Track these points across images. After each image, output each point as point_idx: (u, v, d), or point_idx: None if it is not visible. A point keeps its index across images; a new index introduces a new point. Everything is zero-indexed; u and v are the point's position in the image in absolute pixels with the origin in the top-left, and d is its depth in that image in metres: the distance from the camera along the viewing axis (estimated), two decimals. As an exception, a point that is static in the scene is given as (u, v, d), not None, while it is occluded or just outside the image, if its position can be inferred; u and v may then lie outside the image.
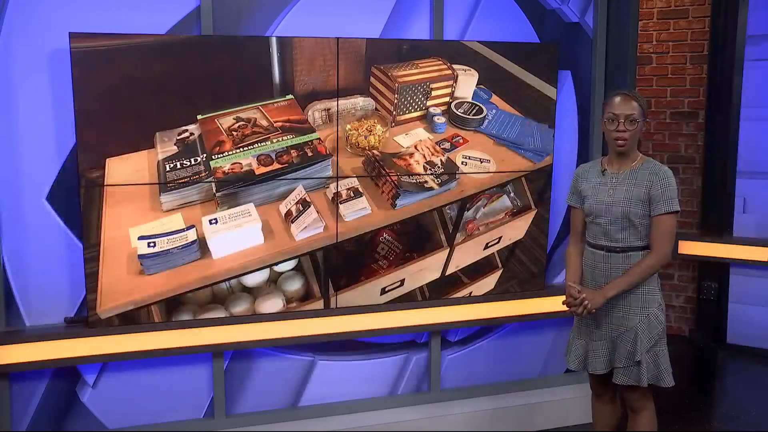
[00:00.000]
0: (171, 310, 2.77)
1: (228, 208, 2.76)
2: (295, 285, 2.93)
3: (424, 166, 3.00)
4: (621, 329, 2.45)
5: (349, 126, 2.88)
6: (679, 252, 4.36)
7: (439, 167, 3.02)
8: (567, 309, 2.49)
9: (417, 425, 3.15)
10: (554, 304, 3.32)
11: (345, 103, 2.86)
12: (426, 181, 3.01)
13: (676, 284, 4.70)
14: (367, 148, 2.92)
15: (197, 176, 2.71)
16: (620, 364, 2.45)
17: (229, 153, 2.73)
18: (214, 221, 2.74)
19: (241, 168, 2.74)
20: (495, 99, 3.08)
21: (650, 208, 2.41)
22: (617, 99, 2.43)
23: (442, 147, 3.03)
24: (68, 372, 2.80)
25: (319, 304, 2.97)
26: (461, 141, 3.05)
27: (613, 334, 2.47)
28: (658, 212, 2.40)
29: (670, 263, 2.45)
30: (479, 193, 3.12)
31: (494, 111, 3.09)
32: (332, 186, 2.89)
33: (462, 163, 3.05)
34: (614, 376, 2.49)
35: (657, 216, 2.40)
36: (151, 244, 2.67)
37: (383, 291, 3.07)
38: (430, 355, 3.28)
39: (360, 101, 2.89)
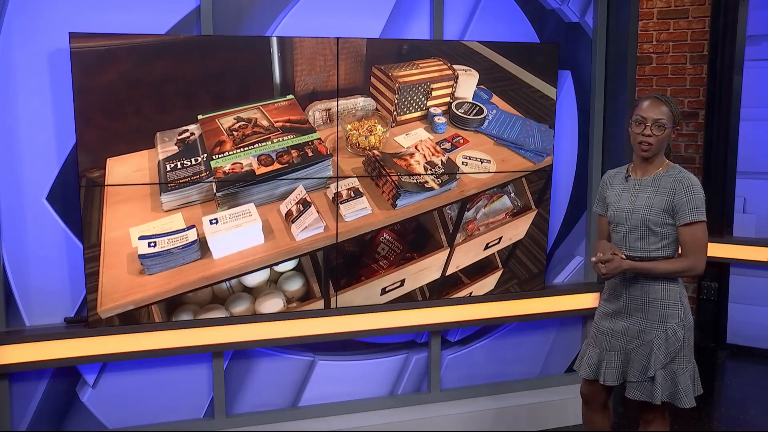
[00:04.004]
0: (171, 310, 2.77)
1: (228, 208, 2.76)
2: (295, 285, 2.93)
3: (424, 166, 3.00)
4: (637, 342, 2.38)
5: (349, 126, 2.88)
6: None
7: (439, 167, 3.02)
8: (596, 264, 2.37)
9: (417, 425, 3.15)
10: (554, 304, 3.33)
11: (345, 103, 2.86)
12: (426, 182, 3.01)
13: (676, 284, 4.70)
14: (367, 148, 2.92)
15: (198, 176, 2.71)
16: (633, 379, 2.38)
17: (230, 153, 2.73)
18: (214, 221, 2.74)
19: (242, 168, 2.74)
20: (495, 99, 3.08)
21: (675, 218, 2.33)
22: (647, 102, 2.34)
23: (442, 147, 3.03)
24: (68, 372, 2.79)
25: (319, 304, 2.97)
26: (462, 141, 3.05)
27: (628, 347, 2.40)
28: (684, 222, 2.31)
29: (699, 274, 2.37)
30: (479, 194, 3.12)
31: (494, 111, 3.09)
32: (333, 186, 2.89)
33: (462, 163, 3.05)
34: (626, 391, 2.42)
35: (683, 226, 2.32)
36: (152, 244, 2.67)
37: (383, 291, 3.07)
38: (430, 355, 3.28)
39: (360, 101, 2.89)
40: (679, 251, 2.42)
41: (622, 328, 2.43)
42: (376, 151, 2.93)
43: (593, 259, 2.38)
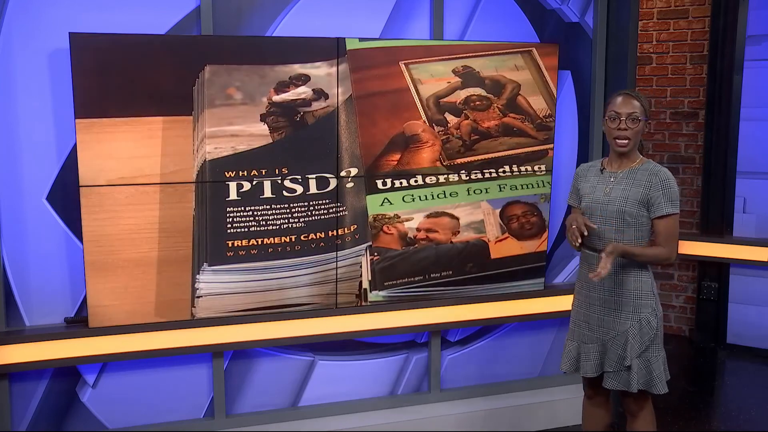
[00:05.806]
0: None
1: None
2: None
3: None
4: (612, 333, 2.43)
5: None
6: (679, 252, 4.36)
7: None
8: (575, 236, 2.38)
9: (417, 425, 3.15)
10: (554, 304, 3.33)
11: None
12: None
13: (676, 284, 4.70)
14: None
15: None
16: (610, 368, 2.43)
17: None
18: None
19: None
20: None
21: (649, 210, 2.39)
22: (619, 98, 2.43)
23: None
24: (68, 372, 2.79)
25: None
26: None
27: (604, 338, 2.45)
28: (659, 214, 2.37)
29: (670, 263, 2.43)
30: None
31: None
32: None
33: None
34: (604, 381, 2.46)
35: (658, 218, 2.38)
36: (151, 244, 2.67)
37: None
38: (430, 355, 3.28)
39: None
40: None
41: (598, 320, 2.47)
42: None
43: (575, 225, 2.37)
